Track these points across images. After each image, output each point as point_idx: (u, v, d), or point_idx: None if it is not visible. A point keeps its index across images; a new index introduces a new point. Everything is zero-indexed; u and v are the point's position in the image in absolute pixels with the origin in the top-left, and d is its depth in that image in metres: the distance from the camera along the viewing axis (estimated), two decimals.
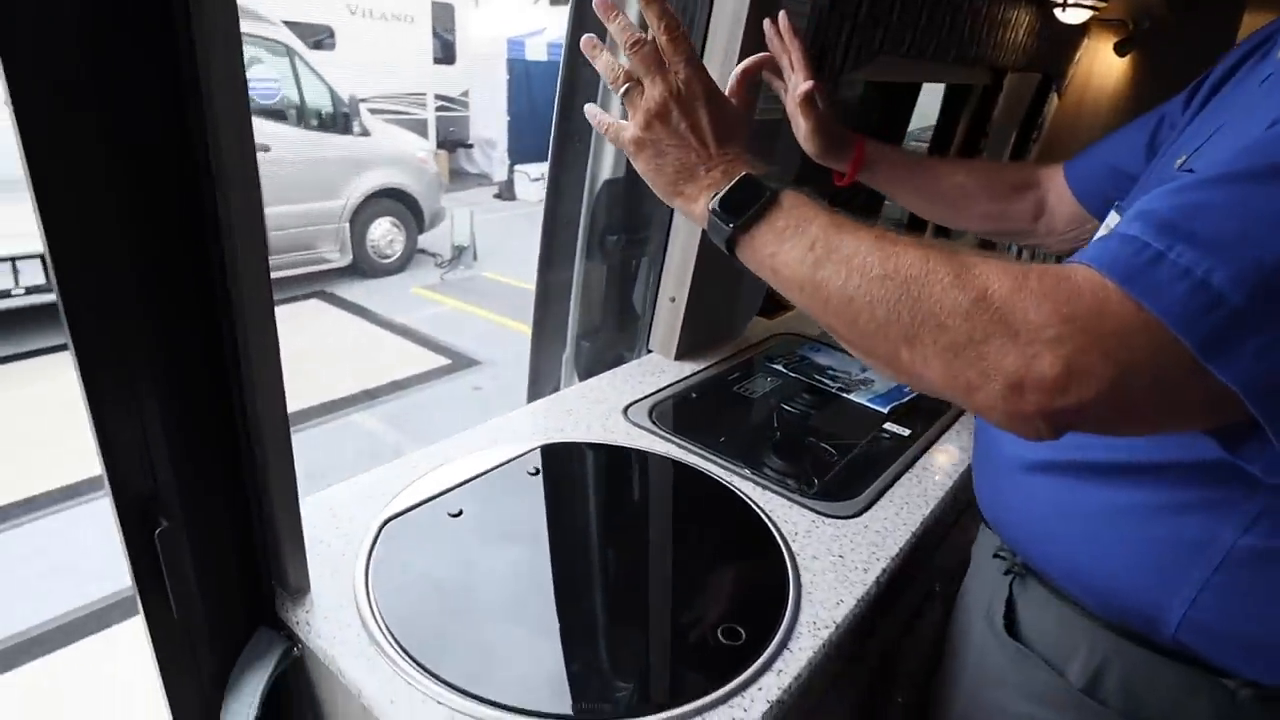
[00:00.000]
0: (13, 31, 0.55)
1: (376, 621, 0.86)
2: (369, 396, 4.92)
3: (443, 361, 5.60)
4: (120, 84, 0.63)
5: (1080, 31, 2.93)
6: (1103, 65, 3.50)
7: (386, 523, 1.01)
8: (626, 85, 0.77)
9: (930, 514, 1.17)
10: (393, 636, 0.84)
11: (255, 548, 0.87)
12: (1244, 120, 0.70)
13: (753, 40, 1.32)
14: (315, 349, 5.71)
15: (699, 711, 0.79)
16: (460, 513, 1.05)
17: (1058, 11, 2.32)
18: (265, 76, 6.45)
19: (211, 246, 0.72)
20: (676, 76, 0.75)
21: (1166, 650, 0.74)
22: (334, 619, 0.87)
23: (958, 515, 1.30)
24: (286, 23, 6.93)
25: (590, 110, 0.84)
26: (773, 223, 0.69)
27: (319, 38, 9.10)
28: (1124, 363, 0.52)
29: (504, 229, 9.27)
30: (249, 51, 6.08)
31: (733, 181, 0.72)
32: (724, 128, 0.76)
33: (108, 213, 0.65)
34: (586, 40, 0.81)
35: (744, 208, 0.70)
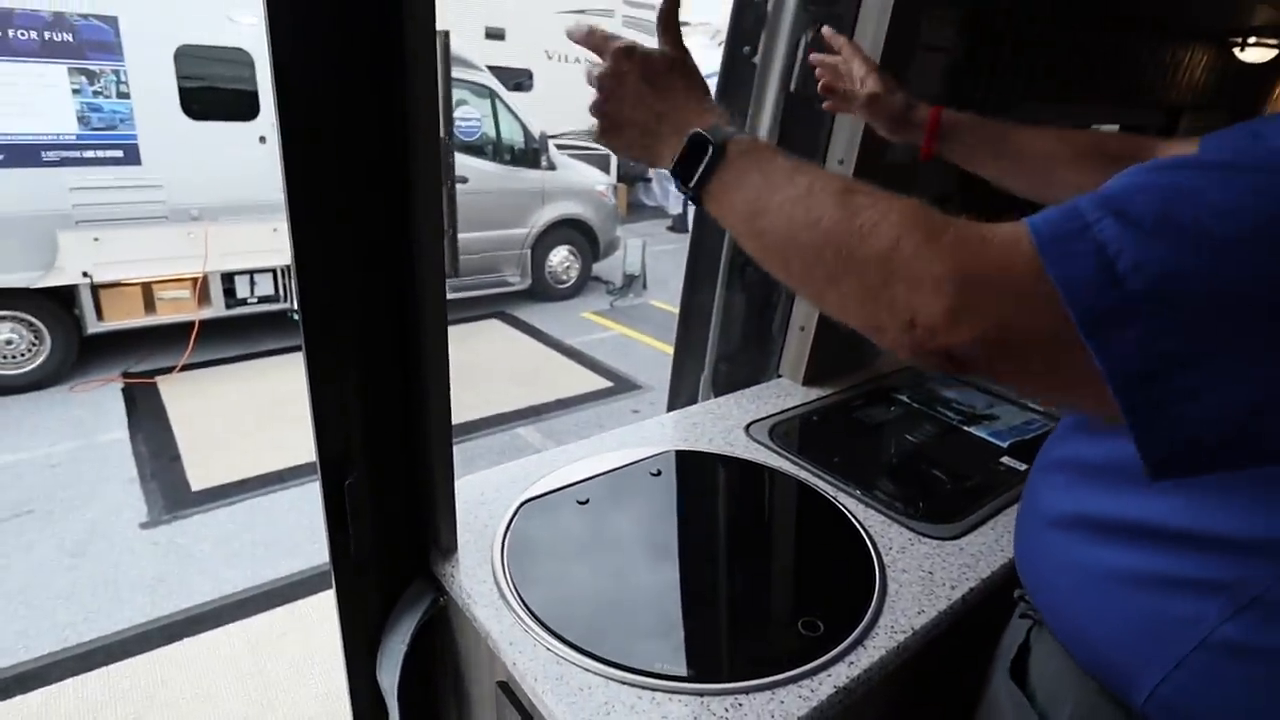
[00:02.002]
0: (290, 108, 0.77)
1: (507, 581, 1.02)
2: (535, 413, 5.26)
3: (606, 384, 5.89)
4: (354, 141, 0.84)
5: (1276, 68, 2.76)
6: None
7: (524, 503, 1.19)
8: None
9: None
10: (518, 594, 1.00)
11: (418, 510, 1.07)
12: None
13: (899, 33, 1.41)
14: (492, 365, 6.17)
15: (771, 686, 0.89)
16: (587, 501, 1.21)
17: (1236, 50, 2.22)
18: (470, 116, 7.10)
19: (407, 269, 0.93)
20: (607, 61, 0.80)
21: None
22: (473, 575, 1.04)
23: None
24: (491, 67, 7.58)
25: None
26: (721, 177, 0.72)
27: (519, 80, 9.85)
28: (1009, 317, 0.54)
29: (674, 260, 9.54)
30: (457, 94, 6.70)
31: (684, 141, 0.74)
32: (661, 81, 0.78)
33: (341, 238, 0.86)
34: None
35: (696, 166, 0.72)
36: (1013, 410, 1.64)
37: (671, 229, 11.84)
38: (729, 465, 1.37)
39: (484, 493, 1.22)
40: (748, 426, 1.50)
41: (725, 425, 1.50)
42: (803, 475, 1.34)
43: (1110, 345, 0.50)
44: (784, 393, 1.68)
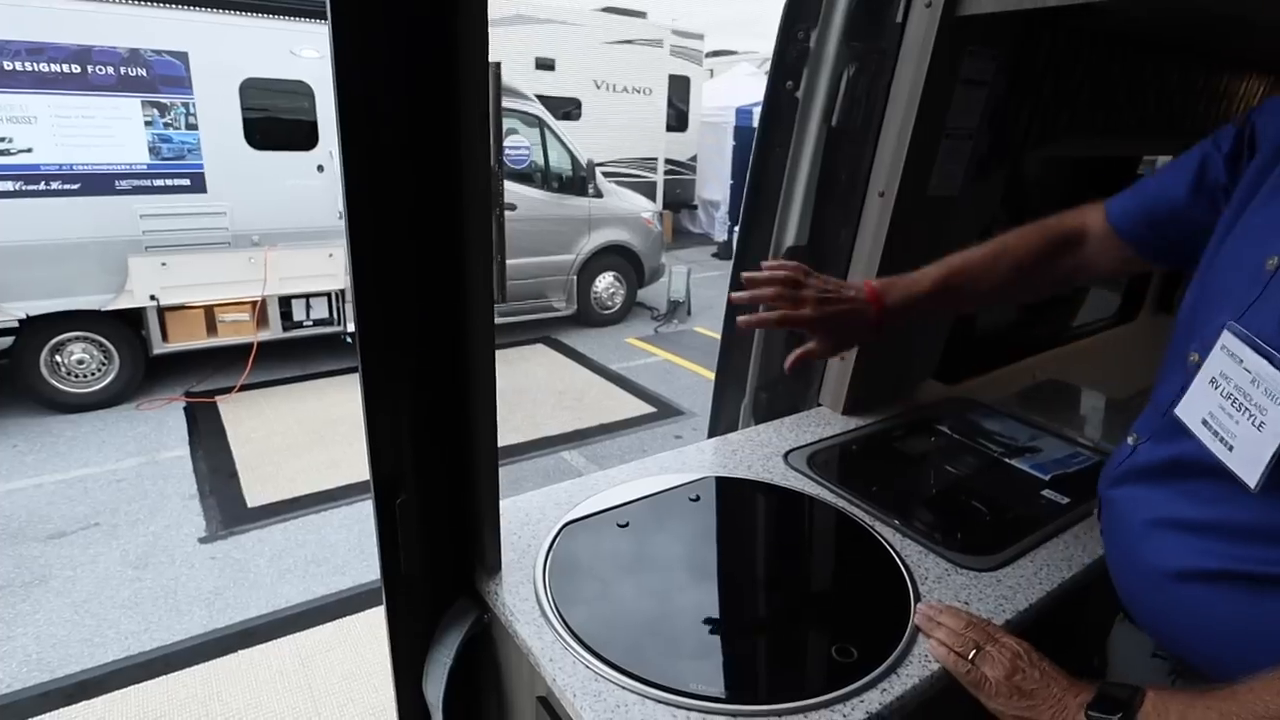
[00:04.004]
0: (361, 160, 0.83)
1: (548, 599, 1.06)
2: (580, 436, 5.33)
3: (649, 409, 5.93)
4: (412, 171, 0.89)
5: None
6: None
7: (566, 525, 1.23)
8: (975, 651, 0.95)
9: (1071, 578, 1.20)
10: (559, 612, 1.03)
11: (465, 529, 1.11)
12: None
13: (940, 69, 1.44)
14: (538, 389, 6.26)
15: (804, 710, 0.91)
16: (627, 524, 1.25)
17: None
18: (519, 144, 7.29)
19: (457, 297, 0.98)
20: (1008, 640, 0.95)
21: None
22: (516, 593, 1.08)
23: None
24: (540, 97, 7.77)
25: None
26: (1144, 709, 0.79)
27: (567, 109, 10.05)
28: None
29: (719, 287, 9.64)
30: (507, 123, 6.87)
31: (1095, 695, 0.85)
32: (1066, 672, 0.91)
33: (398, 268, 0.92)
34: (923, 617, 1.04)
35: (1114, 712, 0.81)
36: (1055, 443, 1.64)
37: (716, 255, 11.92)
38: (767, 492, 1.39)
39: (528, 514, 1.26)
40: (786, 454, 1.52)
41: (764, 453, 1.53)
42: (840, 504, 1.36)
43: None
44: (824, 421, 1.69)
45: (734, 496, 1.39)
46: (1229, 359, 0.83)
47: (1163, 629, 0.95)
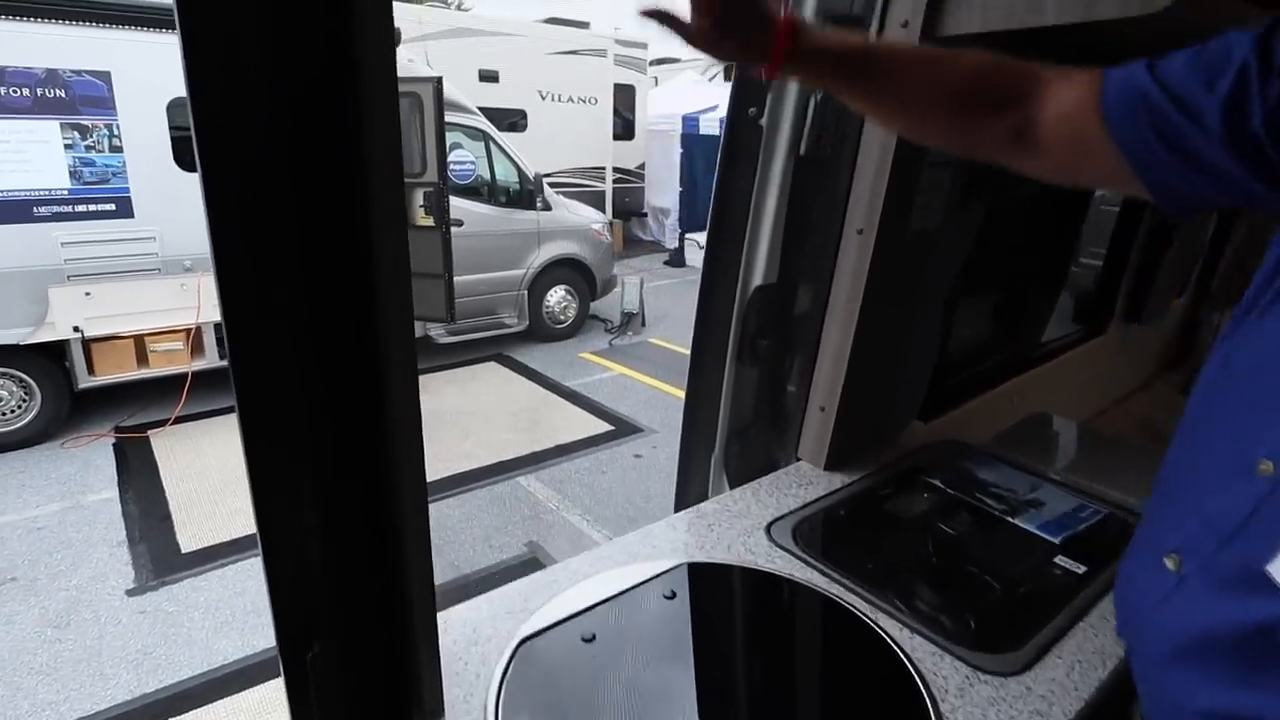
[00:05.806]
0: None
1: None
2: (535, 460, 5.12)
3: (607, 428, 5.75)
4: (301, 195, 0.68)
5: None
6: None
7: (521, 644, 1.04)
8: None
9: (1108, 678, 1.05)
10: None
11: (396, 671, 0.92)
12: None
13: (907, 150, 1.32)
14: (491, 409, 6.05)
15: None
16: (593, 638, 1.06)
17: None
18: (463, 159, 7.13)
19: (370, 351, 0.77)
20: None
21: None
22: None
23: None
24: (485, 109, 7.57)
25: None
26: None
27: (513, 120, 9.89)
28: None
29: (673, 295, 9.55)
30: (450, 137, 6.65)
31: None
32: None
33: (292, 318, 0.72)
34: None
35: None
36: (1057, 493, 1.50)
37: (668, 263, 11.88)
38: (750, 580, 1.22)
39: (476, 628, 1.07)
40: (769, 527, 1.35)
41: (744, 525, 1.36)
42: (834, 590, 1.19)
43: None
44: (805, 480, 1.53)
45: (713, 589, 1.22)
46: None
47: None
